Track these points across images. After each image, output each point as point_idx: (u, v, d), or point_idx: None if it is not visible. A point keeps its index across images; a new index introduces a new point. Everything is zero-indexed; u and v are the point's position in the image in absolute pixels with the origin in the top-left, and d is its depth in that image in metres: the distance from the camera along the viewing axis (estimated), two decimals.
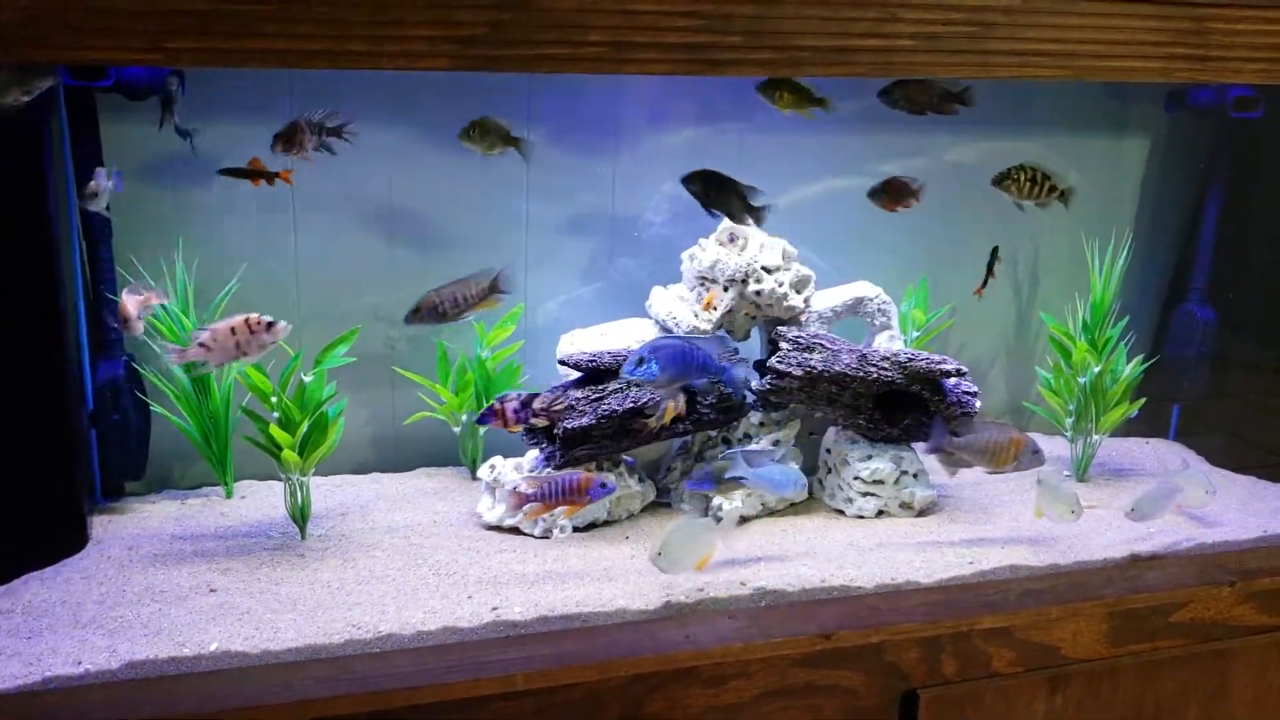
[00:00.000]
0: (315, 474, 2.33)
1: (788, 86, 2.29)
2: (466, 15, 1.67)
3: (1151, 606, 2.25)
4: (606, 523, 2.43)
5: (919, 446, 2.50)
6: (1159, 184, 3.09)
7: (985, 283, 2.68)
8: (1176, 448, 3.05)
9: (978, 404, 2.51)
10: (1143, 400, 2.78)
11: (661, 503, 2.55)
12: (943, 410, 2.47)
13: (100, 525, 2.31)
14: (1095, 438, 2.79)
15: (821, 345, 2.47)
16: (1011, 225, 3.01)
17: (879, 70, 1.88)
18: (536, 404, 2.28)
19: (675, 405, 2.32)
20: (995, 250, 2.67)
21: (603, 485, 2.14)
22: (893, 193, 2.46)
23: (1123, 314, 2.83)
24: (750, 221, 2.33)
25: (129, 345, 2.40)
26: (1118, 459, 2.93)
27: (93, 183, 2.15)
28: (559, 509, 2.19)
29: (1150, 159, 3.07)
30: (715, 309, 2.42)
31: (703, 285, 2.54)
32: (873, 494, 2.50)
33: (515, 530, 2.37)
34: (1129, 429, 2.91)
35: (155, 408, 2.41)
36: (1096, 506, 2.49)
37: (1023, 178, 2.39)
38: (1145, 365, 2.79)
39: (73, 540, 2.21)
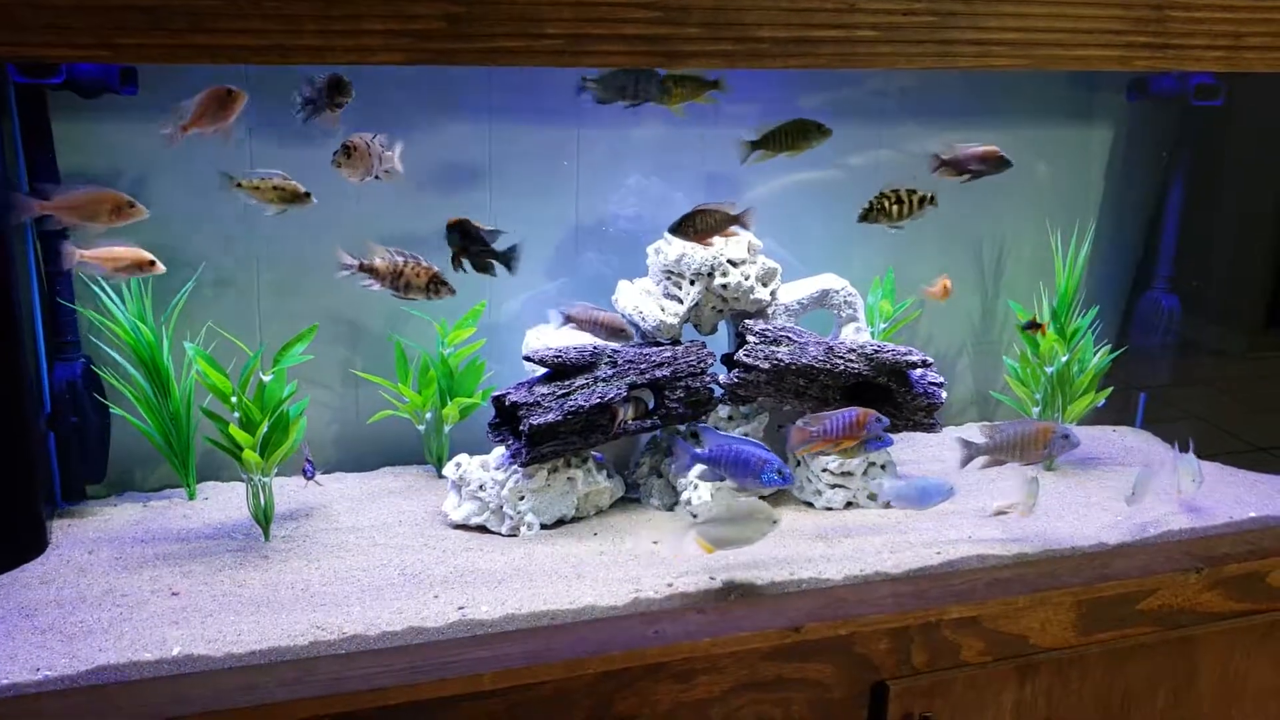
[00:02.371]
0: (278, 474, 2.30)
1: (675, 81, 2.27)
2: (422, 8, 1.65)
3: (1120, 594, 2.26)
4: (575, 519, 2.41)
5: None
6: (1123, 173, 3.10)
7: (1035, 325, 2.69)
8: (1143, 436, 3.07)
9: (944, 395, 2.51)
10: (1109, 389, 2.79)
11: (630, 498, 2.54)
12: (909, 402, 2.46)
13: (60, 529, 2.28)
14: (1065, 425, 2.79)
15: (788, 338, 2.46)
16: (977, 217, 3.02)
17: (840, 61, 1.87)
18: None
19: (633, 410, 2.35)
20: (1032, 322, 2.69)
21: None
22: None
23: (1088, 303, 2.84)
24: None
25: (85, 347, 2.37)
26: (1085, 448, 2.94)
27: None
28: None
29: (1114, 148, 3.08)
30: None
31: (669, 279, 2.53)
32: (841, 486, 2.50)
33: (482, 529, 2.36)
34: (1096, 417, 2.92)
35: (115, 409, 2.37)
36: (1009, 511, 2.49)
37: (888, 205, 2.35)
38: (1114, 355, 2.80)
39: (31, 544, 2.17)
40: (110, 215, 2.05)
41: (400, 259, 2.18)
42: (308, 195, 2.16)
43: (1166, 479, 2.50)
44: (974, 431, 2.47)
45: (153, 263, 2.16)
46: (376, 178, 2.18)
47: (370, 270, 2.18)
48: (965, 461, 2.30)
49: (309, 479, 2.36)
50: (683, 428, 2.52)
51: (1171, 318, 3.04)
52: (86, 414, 2.34)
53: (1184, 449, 2.52)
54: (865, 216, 2.34)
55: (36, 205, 2.01)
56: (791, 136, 2.26)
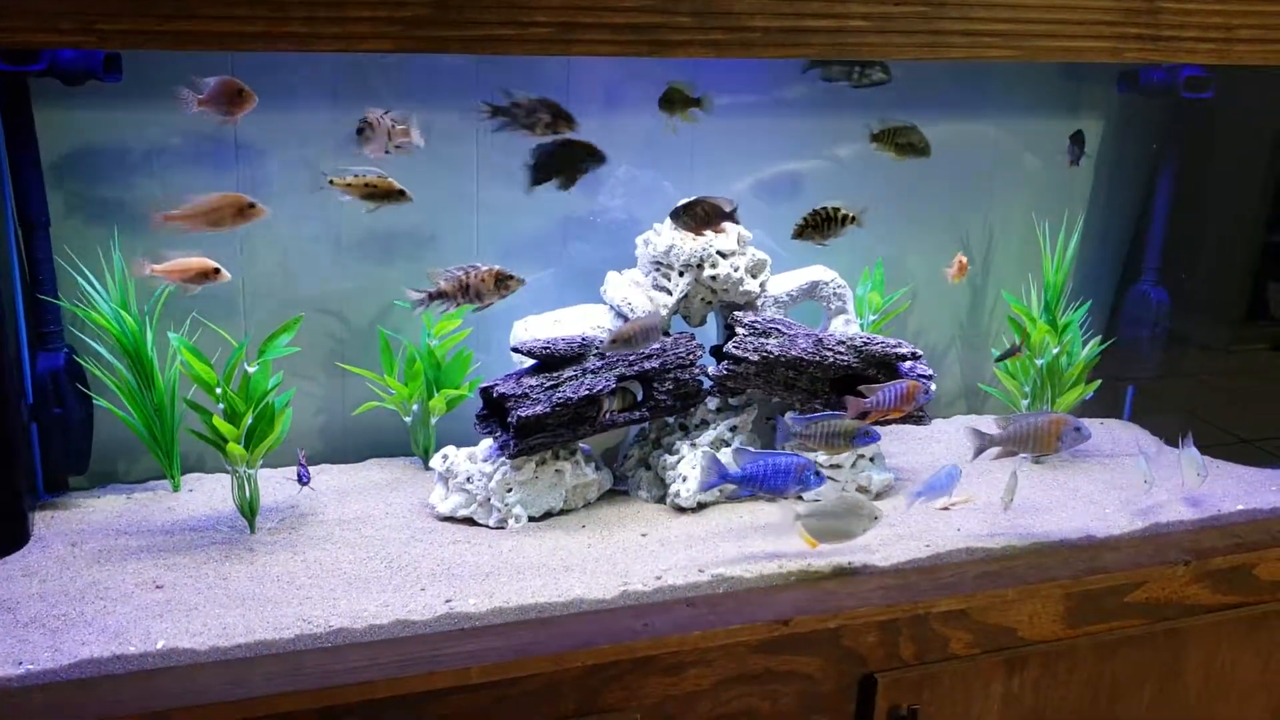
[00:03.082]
0: (264, 466, 2.28)
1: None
2: None
3: (1108, 587, 2.27)
4: (563, 512, 2.40)
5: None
6: (1112, 165, 3.09)
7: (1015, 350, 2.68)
8: (1131, 428, 3.07)
9: (933, 387, 2.51)
10: (1098, 382, 2.79)
11: (619, 490, 2.53)
12: None
13: (42, 521, 2.26)
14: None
15: (778, 330, 2.45)
16: (966, 208, 3.02)
17: (831, 51, 1.86)
18: None
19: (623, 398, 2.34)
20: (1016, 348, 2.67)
21: (926, 392, 2.26)
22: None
23: (1076, 295, 2.84)
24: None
25: (69, 337, 2.35)
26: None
27: None
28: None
29: (1103, 140, 3.08)
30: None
31: (658, 270, 2.52)
32: (830, 478, 2.49)
33: (469, 521, 2.34)
34: (1083, 410, 2.92)
35: (98, 400, 2.35)
36: (970, 501, 2.49)
37: (818, 221, 2.35)
38: (1103, 348, 2.80)
39: (13, 537, 2.15)
40: (234, 218, 2.04)
41: (461, 272, 2.17)
42: (402, 193, 2.16)
43: (1170, 471, 2.51)
44: (987, 423, 2.46)
45: (218, 270, 2.13)
46: (387, 153, 2.15)
47: (440, 295, 2.18)
48: (978, 452, 2.29)
49: (304, 484, 2.34)
50: (719, 448, 2.50)
51: (1159, 310, 3.05)
52: (69, 405, 2.32)
53: (1178, 443, 2.52)
54: (799, 234, 2.34)
55: (162, 217, 2.01)
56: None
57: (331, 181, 2.11)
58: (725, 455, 2.41)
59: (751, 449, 2.26)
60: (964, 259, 2.69)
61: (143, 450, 2.43)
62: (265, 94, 2.37)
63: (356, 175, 2.12)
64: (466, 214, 2.61)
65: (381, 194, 2.14)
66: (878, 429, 2.29)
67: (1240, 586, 2.41)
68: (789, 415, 2.27)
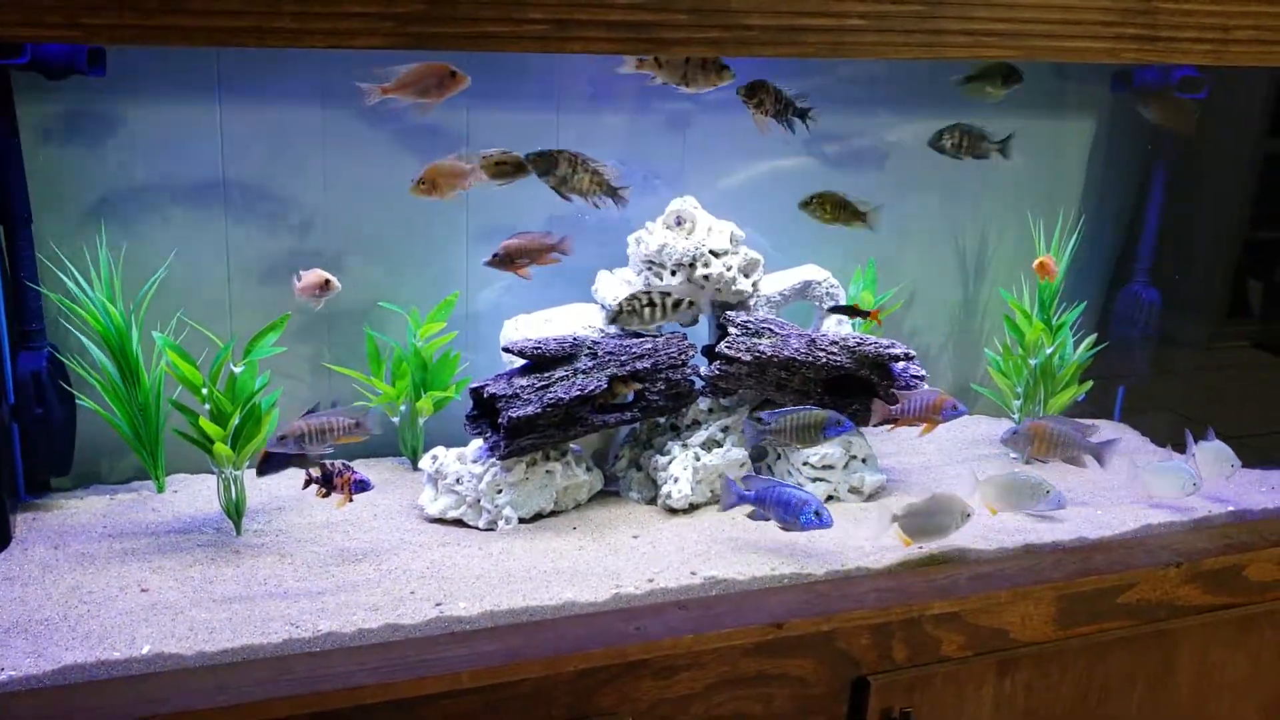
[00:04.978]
0: (250, 467, 2.26)
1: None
2: None
3: (1099, 588, 2.26)
4: (553, 513, 2.38)
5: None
6: (1105, 165, 3.09)
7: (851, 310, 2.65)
8: (1121, 429, 3.07)
9: (925, 387, 2.50)
10: (1090, 383, 2.79)
11: (609, 491, 2.51)
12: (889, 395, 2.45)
13: (24, 523, 2.23)
14: (1044, 416, 2.79)
15: (770, 330, 2.44)
16: (958, 207, 3.01)
17: (828, 50, 1.84)
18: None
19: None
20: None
21: (954, 408, 2.31)
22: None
23: (1068, 295, 2.83)
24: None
25: (51, 335, 2.31)
26: None
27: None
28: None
29: (1096, 140, 3.07)
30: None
31: (650, 269, 2.50)
32: (822, 479, 2.48)
33: (459, 522, 2.32)
34: (1074, 410, 2.92)
35: (81, 399, 2.32)
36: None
37: (828, 205, 2.40)
38: (1097, 349, 2.80)
39: None
40: (438, 89, 2.09)
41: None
42: (525, 168, 2.23)
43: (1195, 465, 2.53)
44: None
45: (329, 282, 2.28)
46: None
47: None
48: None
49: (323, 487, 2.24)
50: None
51: (1151, 311, 3.05)
52: (51, 405, 2.28)
53: (1183, 441, 2.55)
54: (806, 204, 2.41)
55: (379, 89, 2.08)
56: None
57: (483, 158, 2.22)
58: (734, 470, 2.44)
59: (763, 478, 2.27)
60: (1047, 258, 2.70)
61: (125, 450, 2.40)
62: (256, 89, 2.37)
63: (485, 155, 2.19)
64: (456, 213, 2.58)
65: (509, 170, 2.20)
66: (850, 422, 2.29)
67: (1231, 587, 2.41)
68: (761, 413, 2.28)
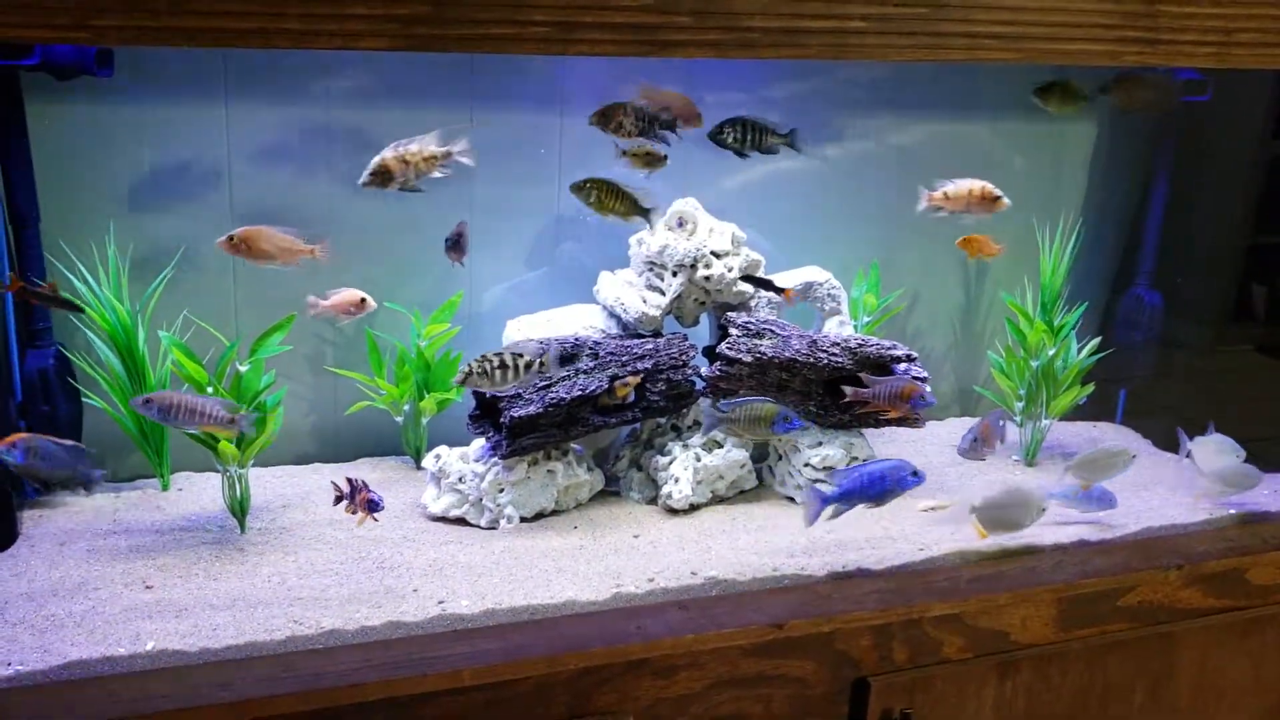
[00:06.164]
0: (255, 465, 2.27)
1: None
2: None
3: (1100, 591, 2.26)
4: (554, 512, 2.39)
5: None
6: (1106, 168, 3.09)
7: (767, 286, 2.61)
8: (1123, 432, 3.07)
9: (928, 389, 2.50)
10: (1091, 386, 2.79)
11: (610, 491, 2.52)
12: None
13: (30, 520, 2.24)
14: (1045, 421, 2.79)
15: (771, 331, 2.44)
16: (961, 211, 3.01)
17: (830, 52, 1.85)
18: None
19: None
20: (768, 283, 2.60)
21: (922, 397, 2.30)
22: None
23: (1070, 299, 2.83)
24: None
25: (58, 333, 2.33)
26: (1067, 443, 2.94)
27: None
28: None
29: (1098, 143, 3.08)
30: None
31: (651, 270, 2.51)
32: (823, 481, 2.48)
33: (461, 521, 2.33)
34: (1076, 413, 2.92)
35: (88, 397, 2.33)
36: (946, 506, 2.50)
37: (740, 133, 2.37)
38: (1102, 354, 2.80)
39: (1, 537, 2.13)
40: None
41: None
42: (663, 159, 2.32)
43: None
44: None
45: (364, 301, 2.32)
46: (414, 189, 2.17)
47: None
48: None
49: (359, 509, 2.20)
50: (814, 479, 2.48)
51: (1153, 314, 3.05)
52: (58, 403, 2.29)
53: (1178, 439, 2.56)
54: (717, 134, 2.37)
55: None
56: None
57: (625, 154, 2.29)
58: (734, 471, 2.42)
59: (844, 467, 2.27)
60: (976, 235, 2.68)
61: (131, 448, 2.41)
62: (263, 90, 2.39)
63: (639, 147, 2.26)
64: (460, 213, 2.59)
65: (657, 160, 2.29)
66: (798, 419, 2.29)
67: (1232, 591, 2.41)
68: (720, 402, 2.29)
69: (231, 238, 2.11)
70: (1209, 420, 2.56)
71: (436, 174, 2.14)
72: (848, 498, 2.14)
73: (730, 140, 2.35)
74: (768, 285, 2.51)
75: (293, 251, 2.16)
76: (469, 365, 2.13)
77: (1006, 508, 2.24)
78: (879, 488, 2.14)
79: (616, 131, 2.26)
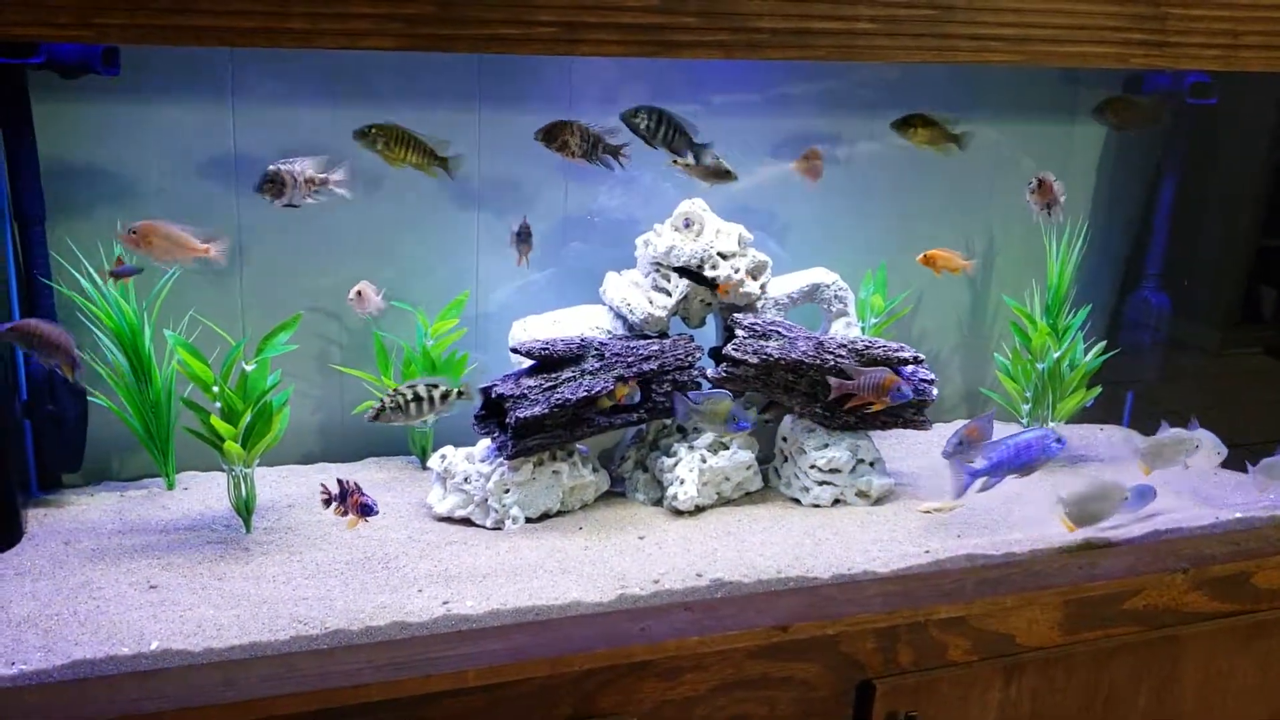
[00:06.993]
0: (260, 465, 2.27)
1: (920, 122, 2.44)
2: None
3: (1105, 594, 2.26)
4: (560, 513, 2.39)
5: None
6: (1114, 170, 3.09)
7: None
8: (1131, 434, 3.06)
9: (935, 391, 2.50)
10: (1098, 388, 2.78)
11: (616, 492, 2.52)
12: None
13: (35, 519, 2.24)
14: (1051, 424, 2.79)
15: (778, 332, 2.44)
16: (967, 211, 3.01)
17: (838, 54, 1.84)
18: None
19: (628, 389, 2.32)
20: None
21: (899, 389, 2.33)
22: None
23: (1078, 301, 2.83)
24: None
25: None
26: (1073, 445, 2.93)
27: None
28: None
29: (1105, 145, 3.07)
30: None
31: (657, 271, 2.51)
32: (829, 483, 2.48)
33: (466, 521, 2.33)
34: (1083, 416, 2.92)
35: (94, 396, 2.33)
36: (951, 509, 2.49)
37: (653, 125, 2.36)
38: (1108, 355, 2.79)
39: (6, 535, 2.13)
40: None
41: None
42: (730, 172, 2.39)
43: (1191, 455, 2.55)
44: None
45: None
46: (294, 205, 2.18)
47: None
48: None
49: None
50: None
51: (1161, 316, 3.04)
52: (63, 402, 2.30)
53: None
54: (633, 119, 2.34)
55: None
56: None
57: (674, 162, 2.35)
58: (739, 472, 2.41)
59: (989, 440, 2.28)
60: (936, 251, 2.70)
61: (136, 447, 2.41)
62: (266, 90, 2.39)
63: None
64: (467, 212, 2.59)
65: (719, 173, 2.34)
66: (747, 420, 2.33)
67: (1238, 595, 2.40)
68: (690, 393, 2.34)
69: (132, 231, 2.10)
70: (1217, 424, 2.55)
71: (310, 200, 2.16)
72: (997, 469, 2.20)
73: (642, 127, 2.34)
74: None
75: (186, 248, 2.14)
76: (382, 400, 2.15)
77: (1092, 500, 2.30)
78: (1026, 457, 2.20)
79: (561, 150, 2.25)
